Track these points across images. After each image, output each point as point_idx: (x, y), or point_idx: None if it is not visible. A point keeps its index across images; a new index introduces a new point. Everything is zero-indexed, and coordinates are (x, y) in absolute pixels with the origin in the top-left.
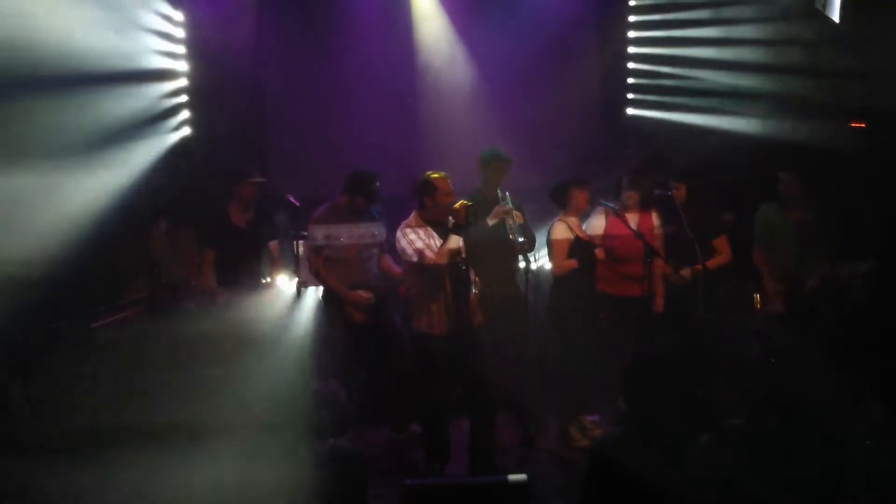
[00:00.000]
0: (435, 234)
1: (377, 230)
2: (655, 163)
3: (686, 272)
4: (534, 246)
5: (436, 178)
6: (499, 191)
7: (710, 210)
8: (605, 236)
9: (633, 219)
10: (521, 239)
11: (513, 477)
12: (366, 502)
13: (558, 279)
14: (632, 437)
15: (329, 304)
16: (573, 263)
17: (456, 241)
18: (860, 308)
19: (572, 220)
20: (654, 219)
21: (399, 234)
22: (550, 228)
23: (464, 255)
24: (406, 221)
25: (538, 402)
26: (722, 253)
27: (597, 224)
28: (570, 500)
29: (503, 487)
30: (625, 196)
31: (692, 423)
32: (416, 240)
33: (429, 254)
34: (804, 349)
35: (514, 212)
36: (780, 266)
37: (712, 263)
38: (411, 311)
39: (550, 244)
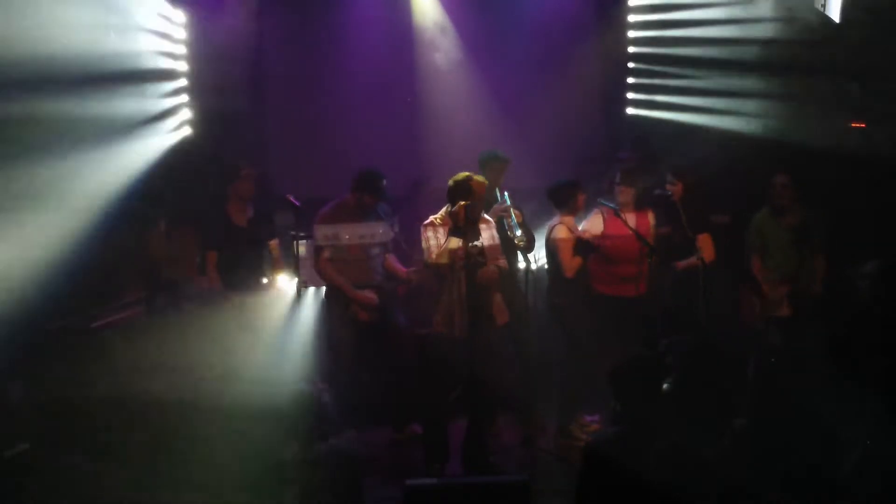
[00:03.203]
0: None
1: (382, 229)
2: (651, 162)
3: (680, 264)
4: (533, 245)
5: (475, 181)
6: (497, 190)
7: (703, 209)
8: (604, 236)
9: (629, 218)
10: (518, 232)
11: (513, 477)
12: (362, 502)
13: (558, 279)
14: (626, 435)
15: (333, 302)
16: (579, 261)
17: (455, 243)
18: (861, 308)
19: (571, 220)
20: (651, 218)
21: (421, 228)
22: (551, 230)
23: (463, 256)
24: (433, 217)
25: (538, 402)
26: (704, 251)
27: (595, 223)
28: (570, 500)
29: (503, 487)
30: (617, 193)
31: (690, 422)
32: (431, 237)
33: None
34: (804, 350)
35: (512, 210)
36: (779, 270)
37: (692, 262)
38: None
39: (555, 246)
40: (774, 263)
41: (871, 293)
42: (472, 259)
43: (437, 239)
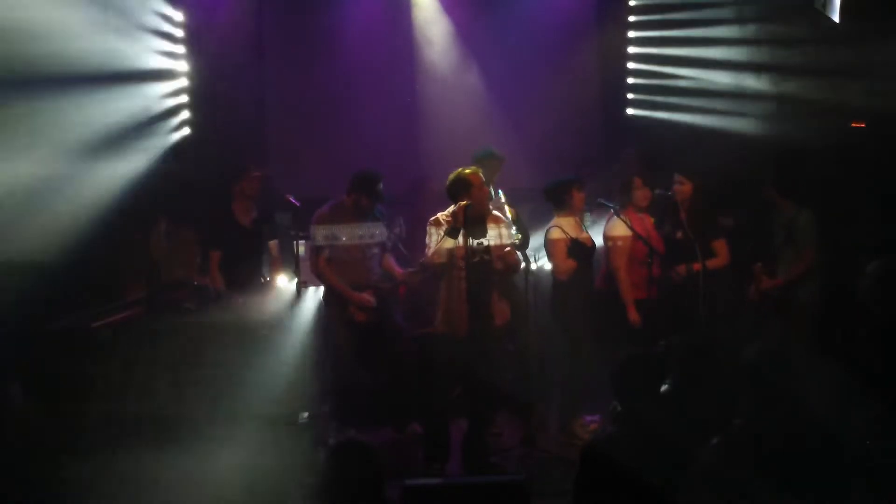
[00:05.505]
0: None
1: (379, 230)
2: (659, 162)
3: (681, 269)
4: (528, 243)
5: (469, 173)
6: (492, 188)
7: (712, 210)
8: (626, 237)
9: (638, 219)
10: (513, 230)
11: (513, 477)
12: (384, 499)
13: (560, 279)
14: (624, 436)
15: (331, 303)
16: (572, 263)
17: (450, 243)
18: (860, 307)
19: (569, 220)
20: (650, 219)
21: (428, 226)
22: (546, 232)
23: (464, 256)
24: (440, 214)
25: (538, 402)
26: (720, 255)
27: (618, 225)
28: (570, 500)
29: (503, 487)
30: (639, 196)
31: (689, 423)
32: (433, 234)
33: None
34: (802, 349)
35: (507, 208)
36: (768, 265)
37: (710, 265)
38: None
39: (548, 248)
40: (766, 258)
41: (871, 293)
42: (475, 257)
43: (437, 237)
